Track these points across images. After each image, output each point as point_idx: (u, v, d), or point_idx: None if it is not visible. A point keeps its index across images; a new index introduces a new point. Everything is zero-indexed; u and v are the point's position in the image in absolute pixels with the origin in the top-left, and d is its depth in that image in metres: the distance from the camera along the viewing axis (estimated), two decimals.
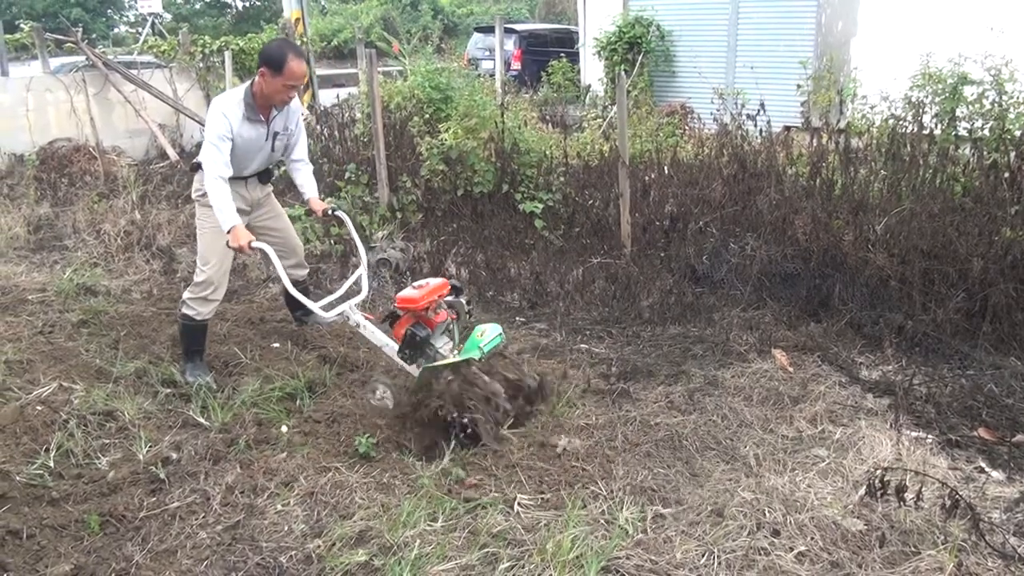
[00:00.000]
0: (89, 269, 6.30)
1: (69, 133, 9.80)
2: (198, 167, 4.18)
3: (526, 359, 4.60)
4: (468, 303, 4.08)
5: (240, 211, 4.13)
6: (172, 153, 10.09)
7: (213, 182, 3.93)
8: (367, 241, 6.29)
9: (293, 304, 4.77)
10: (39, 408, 3.89)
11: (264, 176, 4.41)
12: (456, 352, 3.87)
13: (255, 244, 3.95)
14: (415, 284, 3.95)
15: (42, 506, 3.20)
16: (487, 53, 17.28)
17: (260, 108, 4.09)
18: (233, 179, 4.07)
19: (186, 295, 4.31)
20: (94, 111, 9.77)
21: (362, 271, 4.23)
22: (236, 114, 4.01)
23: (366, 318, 4.00)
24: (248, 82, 4.10)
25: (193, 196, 4.35)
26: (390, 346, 3.95)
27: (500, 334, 3.92)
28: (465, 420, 3.52)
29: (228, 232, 3.89)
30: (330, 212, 4.43)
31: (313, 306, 4.01)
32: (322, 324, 4.84)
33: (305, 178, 4.52)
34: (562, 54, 14.78)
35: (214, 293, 4.27)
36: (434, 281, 3.95)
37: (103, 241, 6.86)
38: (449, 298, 3.98)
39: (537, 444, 3.66)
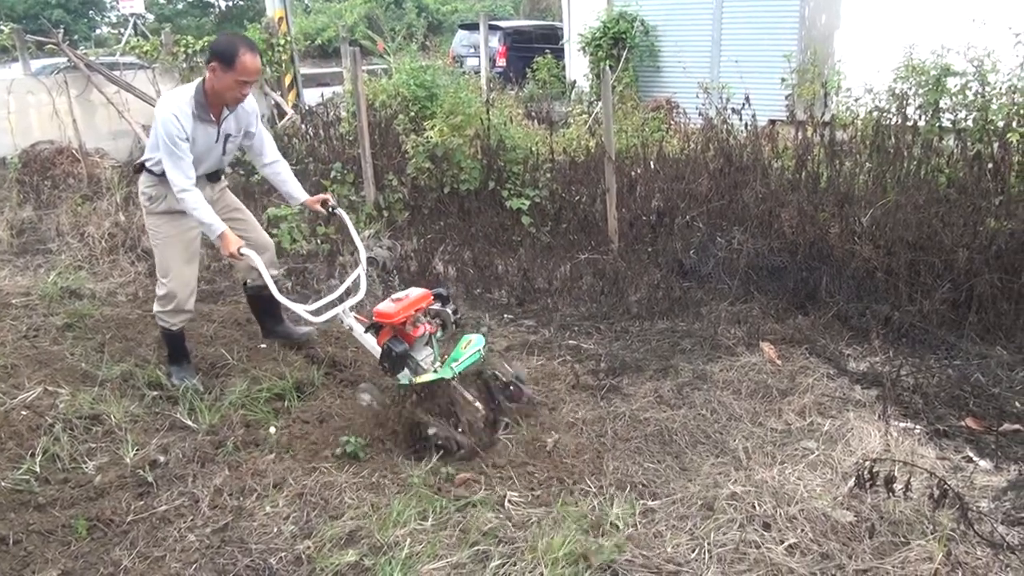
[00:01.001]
0: (73, 272, 6.25)
1: (51, 135, 9.71)
2: (142, 168, 4.01)
3: (515, 356, 4.60)
4: (455, 312, 3.91)
5: (194, 226, 4.04)
6: None
7: (185, 193, 3.73)
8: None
9: (263, 312, 4.70)
10: (24, 413, 3.85)
11: (213, 176, 4.19)
12: (439, 364, 3.71)
13: (244, 250, 3.76)
14: (394, 296, 3.75)
15: (28, 511, 3.17)
16: (472, 50, 17.24)
17: (211, 107, 3.85)
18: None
19: (155, 308, 4.20)
20: (76, 113, 9.69)
21: (360, 271, 4.06)
22: (187, 113, 3.75)
23: (359, 321, 3.88)
24: (198, 80, 3.86)
25: (140, 202, 4.13)
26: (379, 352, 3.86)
27: (479, 351, 3.70)
28: (439, 439, 3.51)
29: (218, 238, 3.77)
30: (330, 208, 4.22)
31: (299, 309, 3.79)
32: (295, 336, 4.77)
33: (287, 177, 4.27)
34: (547, 50, 14.76)
35: (180, 304, 4.13)
36: (415, 293, 3.75)
37: (87, 244, 6.80)
38: (436, 307, 3.82)
39: (527, 441, 3.65)
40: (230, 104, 3.88)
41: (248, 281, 4.59)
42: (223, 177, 4.31)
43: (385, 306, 3.67)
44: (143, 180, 4.06)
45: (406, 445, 3.63)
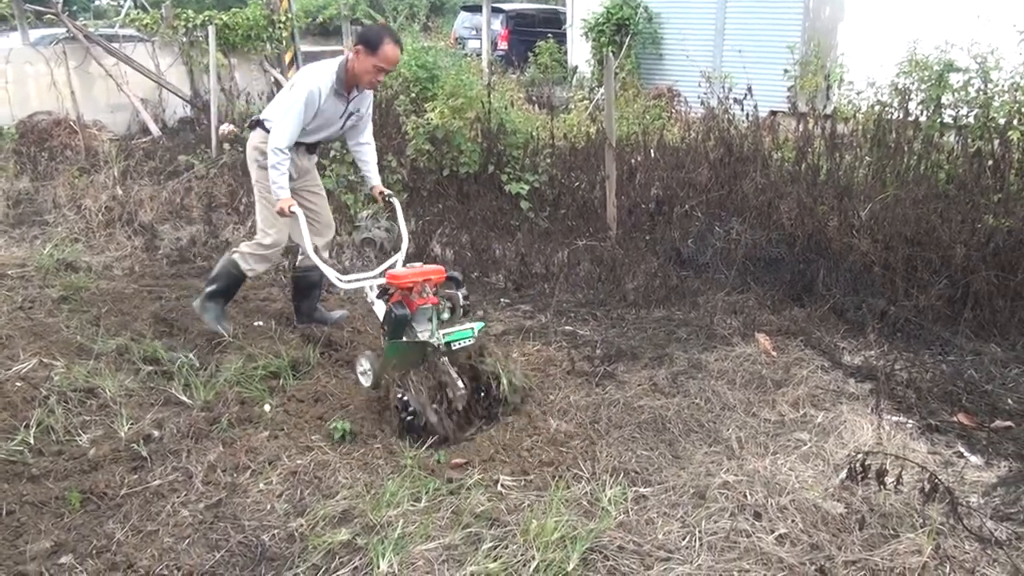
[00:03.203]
0: (70, 245, 6.23)
1: (49, 106, 9.66)
2: (257, 124, 4.27)
3: (511, 340, 4.61)
4: (466, 298, 3.91)
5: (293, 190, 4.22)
6: (154, 128, 9.98)
7: (278, 153, 4.00)
8: (352, 220, 6.26)
9: (302, 296, 4.74)
10: (19, 384, 3.85)
11: (313, 148, 4.46)
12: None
13: (294, 208, 4.00)
14: (410, 264, 3.94)
15: (22, 483, 3.17)
16: (474, 32, 17.18)
17: (348, 85, 4.13)
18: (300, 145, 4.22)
19: (244, 248, 4.39)
20: (75, 84, 9.64)
21: (400, 256, 4.18)
22: (327, 86, 4.06)
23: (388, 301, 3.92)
24: (342, 58, 4.14)
25: (250, 157, 4.37)
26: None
27: (472, 330, 3.76)
28: (410, 405, 3.55)
29: (278, 200, 4.02)
30: (386, 197, 4.48)
31: (331, 272, 4.00)
32: (329, 321, 4.79)
33: (370, 159, 4.55)
34: (549, 35, 14.70)
35: (273, 255, 4.43)
36: (428, 267, 3.87)
37: (84, 216, 6.78)
38: (449, 290, 3.90)
39: (521, 426, 3.66)
40: (363, 86, 4.15)
41: (296, 263, 4.74)
42: (317, 151, 4.57)
43: (397, 269, 3.87)
44: (258, 136, 4.28)
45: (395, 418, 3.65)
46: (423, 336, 3.75)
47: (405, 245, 4.29)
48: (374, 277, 4.09)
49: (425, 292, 3.76)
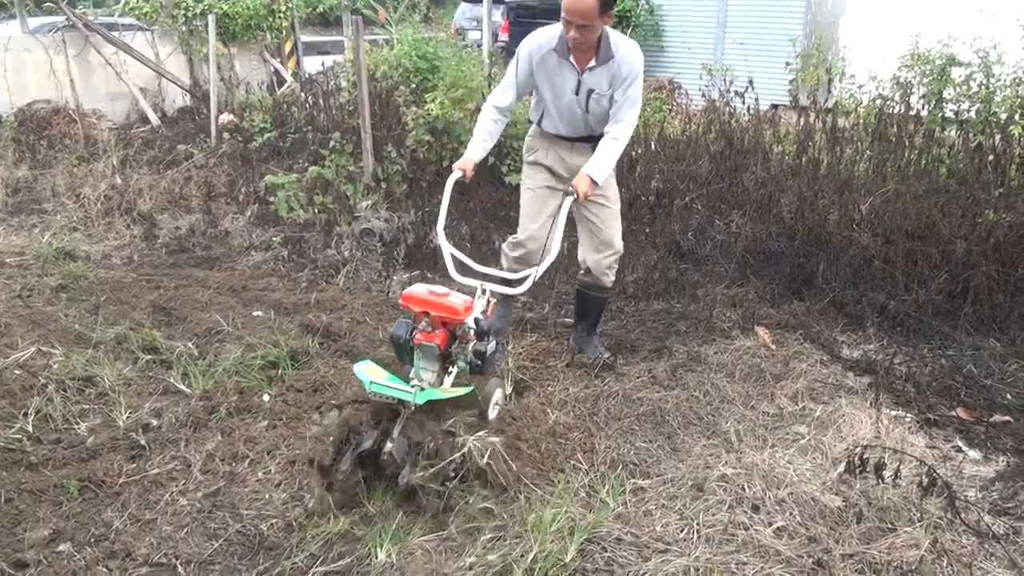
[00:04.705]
0: (68, 233, 6.22)
1: (48, 95, 9.61)
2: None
3: (510, 333, 4.60)
4: (480, 356, 3.14)
5: (557, 176, 3.97)
6: (153, 117, 9.94)
7: (485, 105, 3.80)
8: (351, 211, 6.24)
9: (579, 313, 4.33)
10: (17, 372, 3.84)
11: (571, 139, 3.91)
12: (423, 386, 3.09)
13: (455, 174, 3.62)
14: (435, 288, 3.18)
15: (20, 470, 3.17)
16: (474, 23, 17.08)
17: (572, 51, 3.58)
18: (555, 137, 3.90)
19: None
20: (74, 73, 9.59)
21: (539, 269, 3.43)
22: (543, 44, 3.61)
23: (485, 314, 3.32)
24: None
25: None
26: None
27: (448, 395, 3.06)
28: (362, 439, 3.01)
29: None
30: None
31: (499, 274, 3.61)
32: (587, 352, 4.29)
33: (596, 148, 3.72)
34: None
35: (526, 255, 3.98)
36: (454, 299, 3.13)
37: (83, 205, 6.76)
38: (470, 336, 3.16)
39: (519, 417, 3.66)
40: (570, 44, 3.55)
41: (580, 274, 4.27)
42: (589, 145, 3.81)
43: (416, 289, 3.20)
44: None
45: None
46: (419, 380, 3.12)
47: (547, 261, 3.48)
48: (494, 280, 3.49)
49: (428, 329, 3.16)
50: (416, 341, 3.17)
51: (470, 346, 3.15)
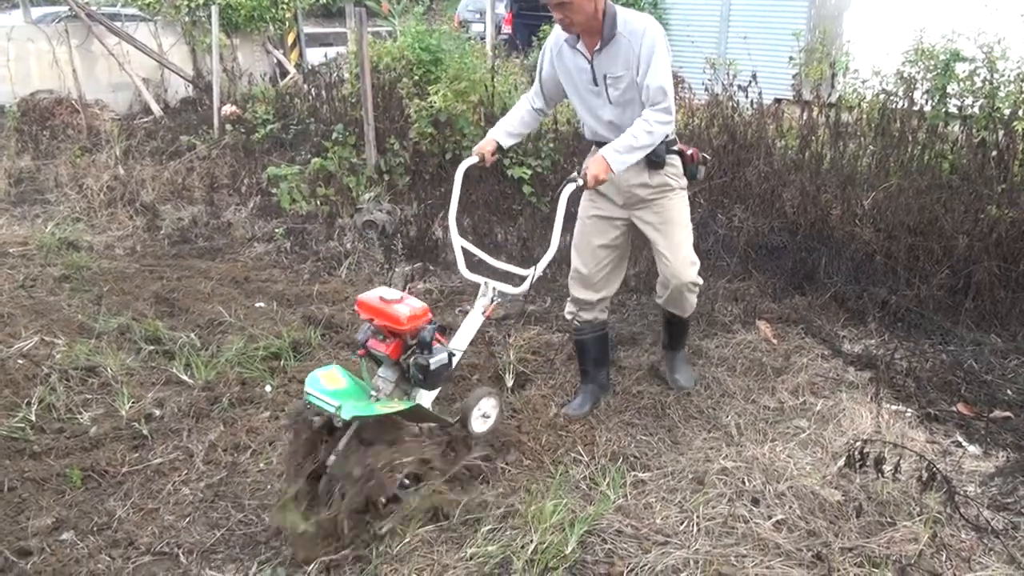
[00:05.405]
0: (71, 224, 6.23)
1: (51, 85, 9.62)
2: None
3: (512, 325, 4.61)
4: (420, 368, 2.82)
5: (604, 217, 3.56)
6: (156, 108, 9.94)
7: (524, 95, 3.53)
8: (354, 203, 6.25)
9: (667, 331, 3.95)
10: (20, 362, 3.87)
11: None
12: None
13: (473, 158, 3.36)
14: (385, 293, 2.90)
15: (23, 459, 3.19)
16: (478, 16, 17.06)
17: (581, 35, 3.26)
18: (599, 147, 3.36)
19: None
20: (77, 63, 9.60)
21: (539, 266, 3.25)
22: (559, 36, 3.33)
23: (484, 313, 3.24)
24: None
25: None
26: (460, 343, 3.14)
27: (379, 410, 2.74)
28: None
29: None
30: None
31: (513, 269, 3.41)
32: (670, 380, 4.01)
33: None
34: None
35: (573, 290, 3.70)
36: (399, 307, 2.83)
37: (85, 196, 6.77)
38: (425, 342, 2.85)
39: (520, 410, 3.67)
40: (562, 29, 3.28)
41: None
42: (660, 166, 3.43)
43: (369, 294, 2.92)
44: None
45: None
46: (375, 390, 2.89)
47: (546, 257, 3.25)
48: (500, 277, 3.34)
49: (381, 337, 2.91)
50: (364, 350, 2.93)
51: (412, 359, 2.86)
